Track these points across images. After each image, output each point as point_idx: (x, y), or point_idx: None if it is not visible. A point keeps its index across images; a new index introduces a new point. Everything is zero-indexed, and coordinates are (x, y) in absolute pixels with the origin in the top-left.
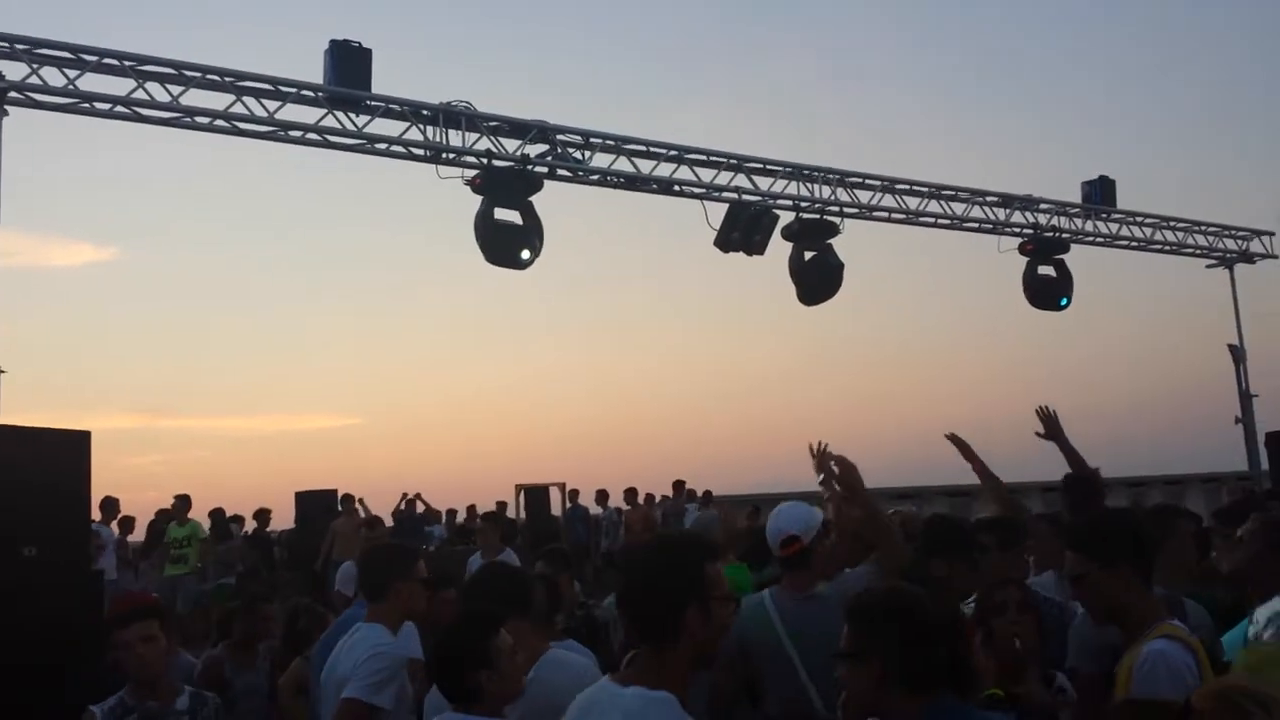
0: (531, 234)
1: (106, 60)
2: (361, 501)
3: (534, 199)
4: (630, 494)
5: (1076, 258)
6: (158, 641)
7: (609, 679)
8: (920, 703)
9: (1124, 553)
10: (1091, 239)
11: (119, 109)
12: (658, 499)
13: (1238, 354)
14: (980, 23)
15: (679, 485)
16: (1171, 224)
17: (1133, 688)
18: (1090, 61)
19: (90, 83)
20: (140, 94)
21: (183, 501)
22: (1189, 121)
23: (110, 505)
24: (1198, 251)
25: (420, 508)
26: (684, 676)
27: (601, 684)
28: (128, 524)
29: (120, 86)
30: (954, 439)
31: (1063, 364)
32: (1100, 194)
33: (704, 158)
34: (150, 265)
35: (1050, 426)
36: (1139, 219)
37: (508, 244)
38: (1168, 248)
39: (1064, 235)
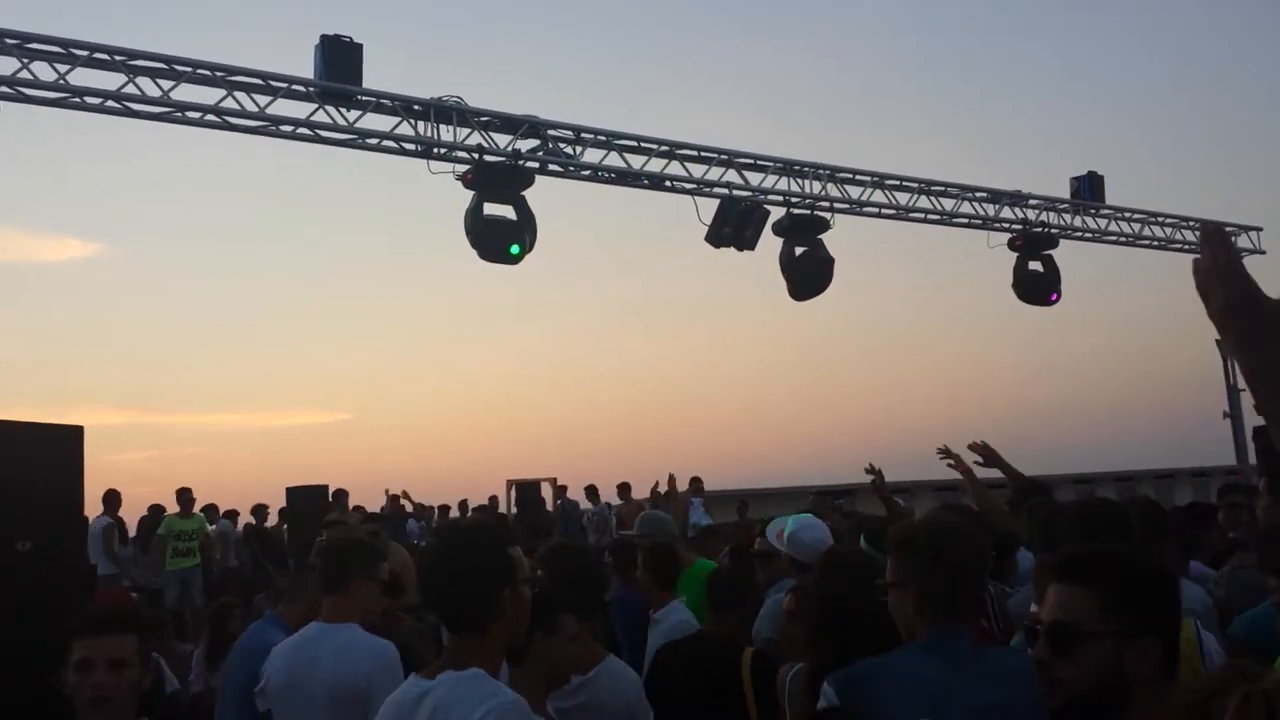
0: (523, 229)
1: (97, 55)
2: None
3: (525, 194)
4: (624, 489)
5: (1065, 253)
6: (127, 670)
7: (415, 676)
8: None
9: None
10: (1080, 234)
11: (109, 104)
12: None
13: (1226, 349)
14: (970, 20)
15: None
16: (1160, 219)
17: None
18: (1079, 58)
19: (80, 77)
20: (131, 89)
21: (186, 494)
22: (1177, 117)
23: (112, 499)
24: (1186, 247)
25: (409, 506)
26: (497, 662)
27: (410, 680)
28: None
29: (111, 81)
30: (982, 449)
31: (1052, 359)
32: (1089, 189)
33: (695, 153)
34: (139, 260)
35: (988, 455)
36: (1127, 214)
37: (498, 239)
38: (1156, 243)
39: (1053, 231)
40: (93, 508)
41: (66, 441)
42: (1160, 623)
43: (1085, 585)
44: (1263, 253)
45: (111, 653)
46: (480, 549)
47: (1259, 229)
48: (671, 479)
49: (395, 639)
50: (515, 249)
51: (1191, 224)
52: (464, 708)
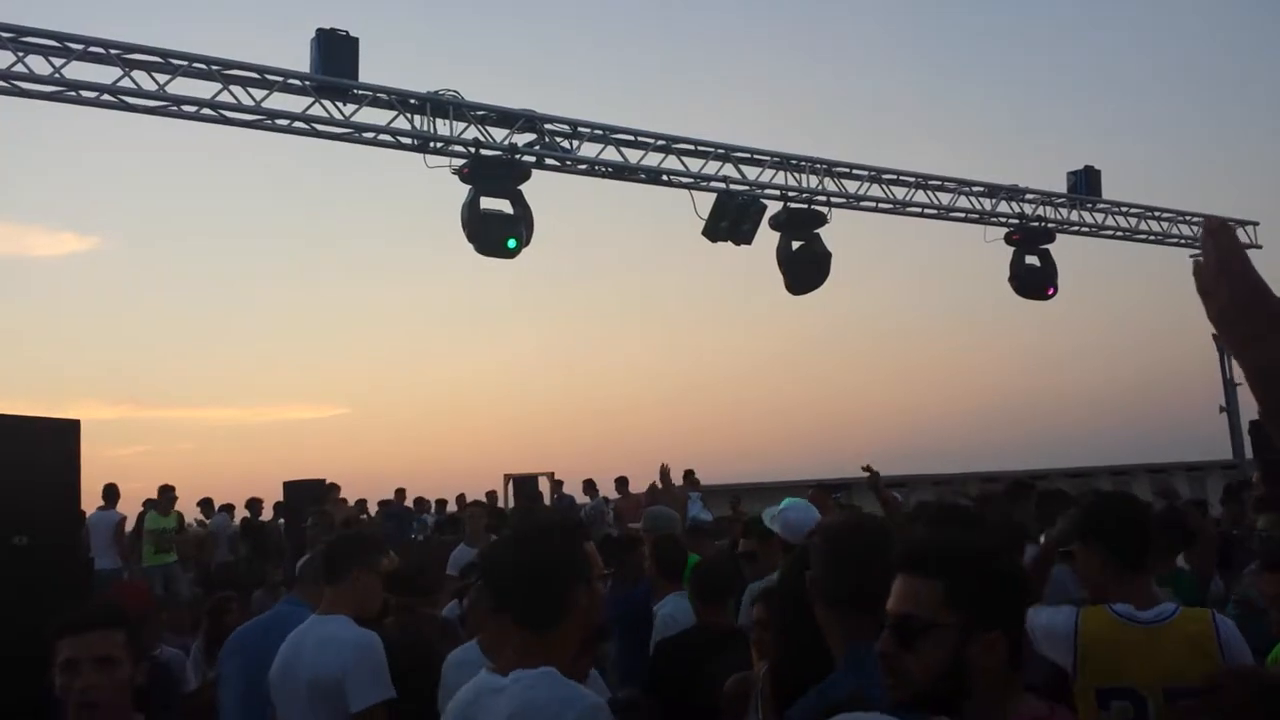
0: (519, 223)
1: (93, 49)
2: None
3: (522, 188)
4: (621, 483)
5: (1062, 247)
6: (116, 668)
7: (486, 672)
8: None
9: None
10: (1077, 229)
11: (105, 97)
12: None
13: (1222, 344)
14: (967, 14)
15: (687, 474)
16: (1156, 214)
17: None
18: (1076, 52)
19: (76, 71)
20: (126, 82)
21: (167, 491)
22: (1174, 112)
23: (111, 492)
24: (1182, 241)
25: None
26: (567, 660)
27: (481, 677)
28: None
29: (106, 75)
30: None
31: (1048, 353)
32: (1086, 184)
33: (692, 147)
34: (134, 255)
35: (873, 479)
36: (1124, 209)
37: (495, 233)
38: (1153, 237)
39: (1050, 225)
40: (88, 502)
41: (63, 435)
42: (1005, 615)
43: (930, 576)
44: (1259, 247)
45: (97, 650)
46: (554, 543)
47: (1255, 223)
48: (665, 470)
49: (415, 634)
50: (512, 243)
51: (1188, 218)
52: (550, 710)
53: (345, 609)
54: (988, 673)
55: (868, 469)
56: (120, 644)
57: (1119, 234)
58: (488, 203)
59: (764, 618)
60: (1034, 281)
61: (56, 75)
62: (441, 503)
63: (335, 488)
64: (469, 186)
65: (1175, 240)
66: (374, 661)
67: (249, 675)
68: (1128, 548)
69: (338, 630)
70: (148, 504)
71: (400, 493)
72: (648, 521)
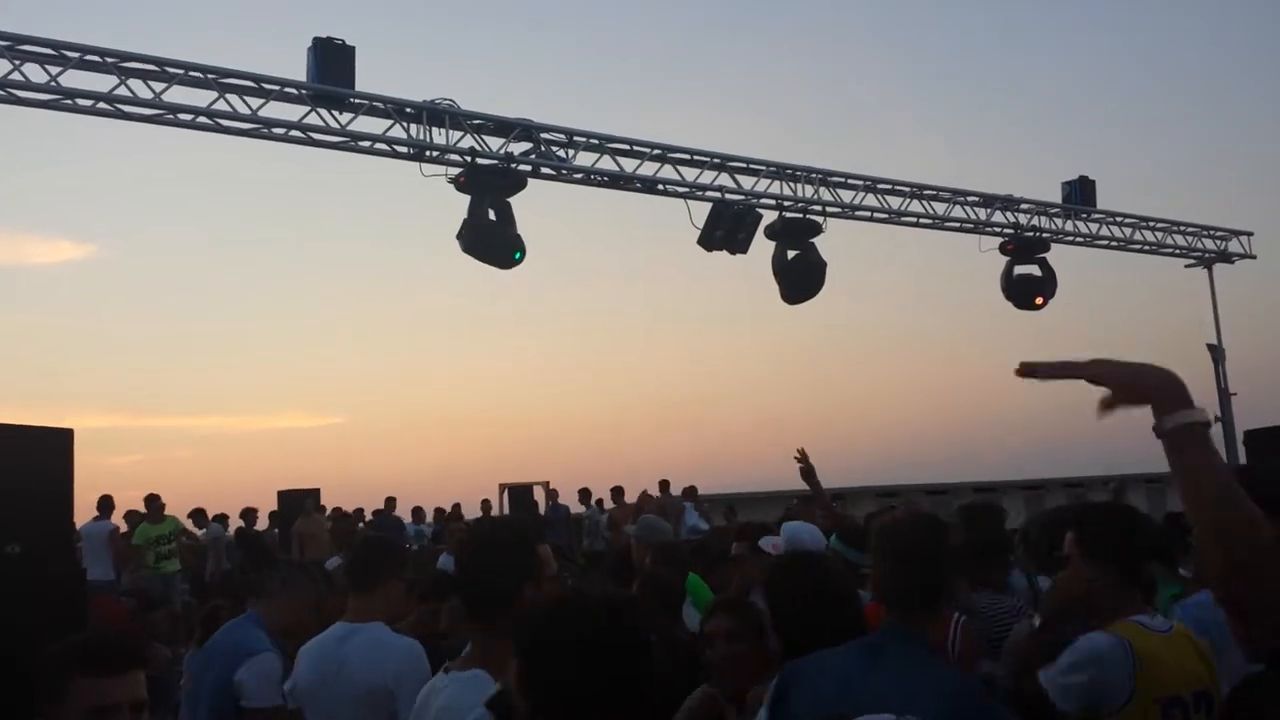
0: (516, 233)
1: (89, 57)
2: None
3: (518, 198)
4: (617, 493)
5: (1057, 257)
6: (146, 713)
7: (444, 669)
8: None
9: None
10: (1071, 239)
11: (101, 106)
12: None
13: (1217, 353)
14: (962, 25)
15: (664, 484)
16: (1151, 224)
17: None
18: (1071, 63)
19: (72, 79)
20: (122, 91)
21: (155, 501)
22: (1169, 122)
23: (105, 502)
24: (1177, 251)
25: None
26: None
27: (437, 675)
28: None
29: (102, 83)
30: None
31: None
32: (1080, 194)
33: (688, 157)
34: (130, 263)
35: (805, 463)
36: (1119, 219)
37: (495, 243)
38: (1147, 247)
39: (1044, 235)
40: (82, 512)
41: (56, 444)
42: None
43: None
44: (1253, 257)
45: (136, 694)
46: (501, 546)
47: (1249, 234)
48: (663, 484)
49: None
50: (512, 254)
51: (1182, 228)
52: (458, 712)
53: (378, 616)
54: None
55: (801, 457)
56: (143, 683)
57: (1113, 244)
58: (487, 213)
59: (733, 628)
60: (1028, 291)
61: (52, 83)
62: (440, 512)
63: (314, 492)
64: (467, 196)
65: (1169, 250)
66: (423, 670)
67: (221, 688)
68: (1131, 561)
69: (383, 637)
70: (133, 515)
71: (390, 501)
72: (639, 530)
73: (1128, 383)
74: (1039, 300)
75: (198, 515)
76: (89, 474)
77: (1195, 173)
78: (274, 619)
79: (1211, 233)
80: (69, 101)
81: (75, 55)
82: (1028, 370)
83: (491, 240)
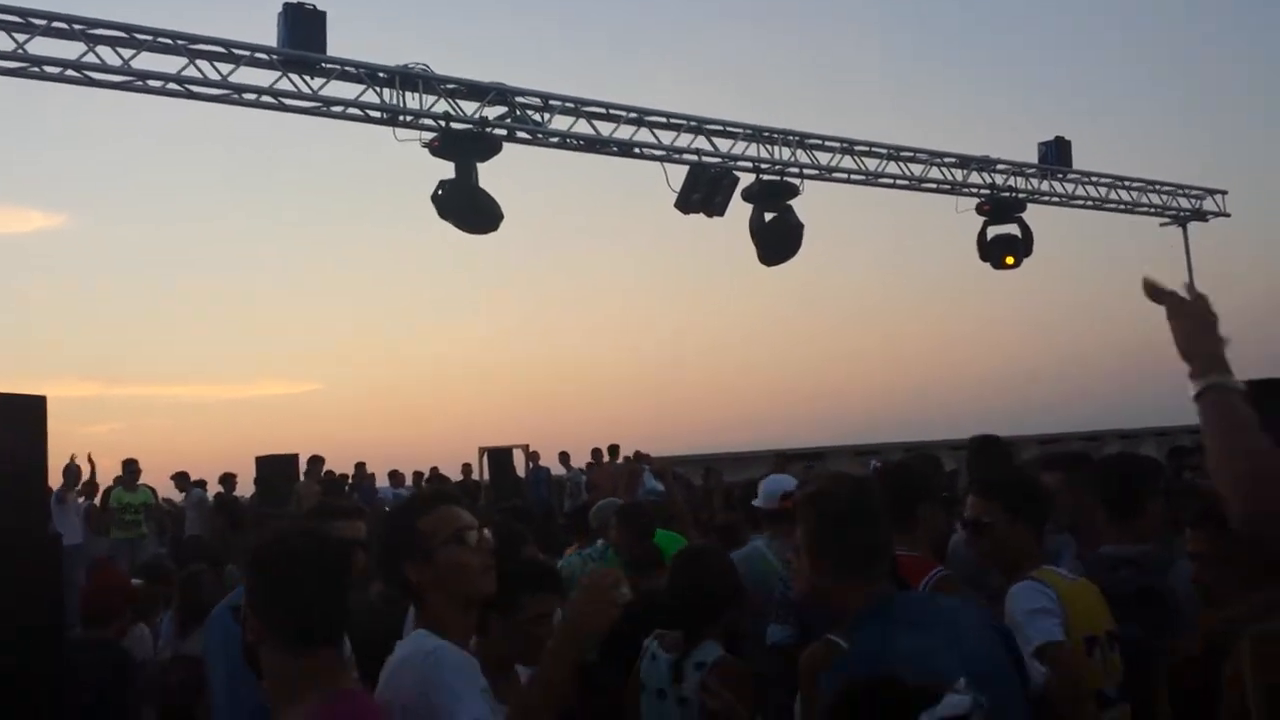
0: (491, 198)
1: (56, 24)
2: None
3: (493, 161)
4: (596, 455)
5: (1033, 217)
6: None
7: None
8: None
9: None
10: (1047, 199)
11: (69, 73)
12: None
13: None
14: None
15: (614, 449)
16: (1126, 183)
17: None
18: (1046, 23)
19: (40, 46)
20: (91, 58)
21: (131, 466)
22: (1144, 82)
23: (72, 471)
24: (1152, 210)
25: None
26: (457, 625)
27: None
28: (92, 490)
29: (70, 50)
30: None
31: (1019, 322)
32: (1056, 154)
33: (664, 120)
34: (101, 231)
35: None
36: (1094, 179)
37: (471, 208)
38: (1122, 207)
39: (1020, 195)
40: (55, 479)
41: (29, 411)
42: None
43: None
44: (1227, 215)
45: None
46: (381, 528)
47: (1224, 192)
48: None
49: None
50: (490, 219)
51: (1157, 187)
52: (394, 661)
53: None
54: None
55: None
56: None
57: (1089, 204)
58: (468, 179)
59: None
60: (1004, 251)
61: (19, 51)
62: (419, 476)
63: (319, 460)
64: (449, 162)
65: (1145, 209)
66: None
67: (229, 653)
68: (1037, 516)
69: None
70: (116, 480)
71: (360, 466)
72: (596, 518)
73: (1177, 341)
74: (1009, 259)
75: (180, 478)
76: (65, 442)
77: (1170, 132)
78: None
79: (1186, 191)
80: (36, 69)
81: (42, 23)
82: (1149, 286)
83: (467, 205)
